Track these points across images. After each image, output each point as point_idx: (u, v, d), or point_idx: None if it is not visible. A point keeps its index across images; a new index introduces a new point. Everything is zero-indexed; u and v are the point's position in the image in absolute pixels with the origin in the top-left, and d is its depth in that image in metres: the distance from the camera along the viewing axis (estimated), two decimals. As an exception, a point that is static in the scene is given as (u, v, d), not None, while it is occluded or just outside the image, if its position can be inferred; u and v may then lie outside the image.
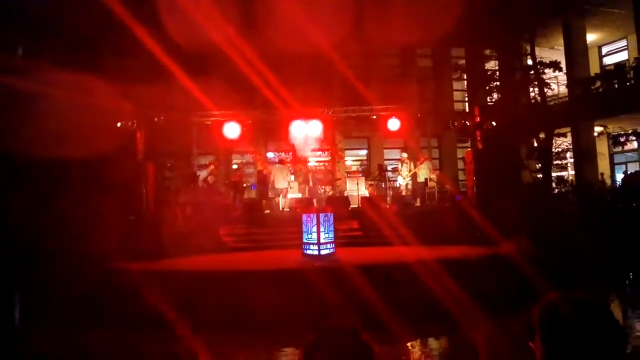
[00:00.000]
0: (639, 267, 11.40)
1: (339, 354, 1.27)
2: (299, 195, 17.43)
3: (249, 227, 13.90)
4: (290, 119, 17.40)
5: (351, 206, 15.68)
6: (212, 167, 16.37)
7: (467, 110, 21.93)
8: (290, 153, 20.56)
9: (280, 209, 16.33)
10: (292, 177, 18.60)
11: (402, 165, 16.96)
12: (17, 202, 12.13)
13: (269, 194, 17.03)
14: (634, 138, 17.44)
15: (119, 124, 14.20)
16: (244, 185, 17.37)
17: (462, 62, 22.00)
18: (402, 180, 16.78)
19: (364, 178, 18.34)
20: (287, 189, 16.68)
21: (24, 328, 9.13)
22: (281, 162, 17.54)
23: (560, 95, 20.25)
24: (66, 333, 7.58)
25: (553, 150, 17.37)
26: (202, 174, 16.16)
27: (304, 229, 10.75)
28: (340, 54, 17.93)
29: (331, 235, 10.75)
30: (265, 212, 15.78)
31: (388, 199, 16.57)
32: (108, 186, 12.99)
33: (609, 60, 21.18)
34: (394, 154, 21.60)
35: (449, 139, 21.75)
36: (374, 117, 18.00)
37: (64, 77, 12.63)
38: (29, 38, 15.30)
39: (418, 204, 16.31)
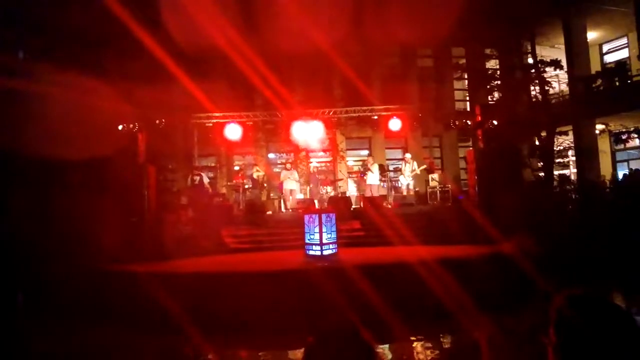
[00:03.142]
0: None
1: (340, 354, 1.27)
2: (301, 196, 17.49)
3: (251, 228, 13.91)
4: (292, 120, 17.42)
5: (353, 206, 15.69)
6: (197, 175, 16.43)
7: (468, 109, 21.91)
8: (292, 154, 20.60)
9: (288, 208, 16.47)
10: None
11: (405, 166, 17.08)
12: (17, 203, 12.15)
13: (271, 195, 17.14)
14: (635, 135, 17.40)
15: (120, 126, 14.22)
16: (246, 186, 17.40)
17: (463, 61, 21.98)
18: (404, 180, 16.89)
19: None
20: (295, 190, 16.87)
21: (25, 328, 9.14)
22: (292, 165, 18.05)
23: (561, 94, 20.22)
24: (67, 334, 7.59)
25: (555, 148, 17.34)
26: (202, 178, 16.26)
27: (306, 229, 10.74)
28: (341, 54, 17.92)
29: (333, 235, 10.75)
30: (267, 213, 15.82)
31: (390, 199, 16.59)
32: (109, 188, 13.00)
33: (609, 58, 21.15)
34: (396, 154, 21.59)
35: (450, 139, 21.74)
36: (375, 117, 18.01)
37: (65, 79, 12.64)
38: (30, 39, 15.32)
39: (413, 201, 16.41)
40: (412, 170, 16.85)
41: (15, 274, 10.40)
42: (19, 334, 8.52)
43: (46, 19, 14.22)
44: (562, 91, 20.20)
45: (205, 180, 16.33)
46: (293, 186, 16.90)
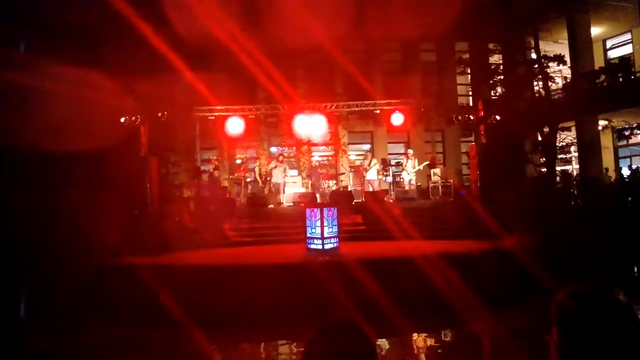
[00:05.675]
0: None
1: (340, 348, 1.27)
2: (303, 190, 17.45)
3: (253, 222, 13.92)
4: (294, 114, 17.39)
5: (355, 201, 15.69)
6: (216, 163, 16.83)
7: (471, 104, 21.83)
8: (294, 148, 20.58)
9: (284, 204, 16.40)
10: (295, 172, 18.68)
11: (407, 161, 17.07)
12: (20, 197, 12.17)
13: (272, 188, 17.14)
14: (638, 132, 17.36)
15: (122, 119, 14.21)
16: (248, 180, 17.40)
17: (466, 56, 21.87)
18: (407, 176, 16.89)
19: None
20: (284, 184, 16.74)
21: (27, 323, 9.17)
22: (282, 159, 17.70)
23: (564, 89, 20.14)
24: (70, 328, 7.62)
25: (557, 144, 17.30)
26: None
27: (308, 223, 10.76)
28: (343, 48, 17.88)
29: (335, 229, 10.77)
30: (269, 206, 15.83)
31: (392, 193, 16.59)
32: (111, 181, 13.02)
33: (613, 54, 21.05)
34: (398, 148, 21.56)
35: (452, 133, 21.69)
36: (378, 111, 17.97)
37: (67, 72, 12.63)
38: (32, 33, 15.30)
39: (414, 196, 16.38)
40: (414, 167, 16.87)
41: (18, 269, 10.42)
42: (22, 330, 8.56)
43: (48, 12, 14.20)
44: (565, 86, 20.12)
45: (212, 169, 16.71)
46: (282, 180, 16.76)
